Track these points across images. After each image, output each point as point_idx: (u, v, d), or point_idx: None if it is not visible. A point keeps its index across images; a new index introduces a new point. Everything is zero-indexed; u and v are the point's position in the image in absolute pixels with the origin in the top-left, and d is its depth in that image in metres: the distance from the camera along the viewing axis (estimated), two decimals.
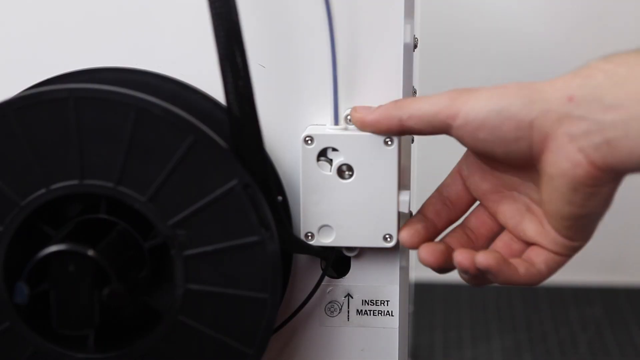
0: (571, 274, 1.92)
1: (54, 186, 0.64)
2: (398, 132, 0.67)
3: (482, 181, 0.69)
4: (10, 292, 0.65)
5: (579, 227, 0.65)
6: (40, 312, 0.65)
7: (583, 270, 1.97)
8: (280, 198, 0.69)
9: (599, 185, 0.62)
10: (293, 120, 0.70)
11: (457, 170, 0.70)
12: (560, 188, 0.63)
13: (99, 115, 0.64)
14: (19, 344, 0.66)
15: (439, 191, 0.71)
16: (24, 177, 0.64)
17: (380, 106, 0.68)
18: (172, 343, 0.66)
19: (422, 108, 0.66)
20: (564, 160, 0.62)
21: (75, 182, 0.64)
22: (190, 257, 0.65)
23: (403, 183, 0.71)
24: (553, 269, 0.68)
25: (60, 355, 0.66)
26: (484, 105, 0.64)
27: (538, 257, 0.67)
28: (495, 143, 0.64)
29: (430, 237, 0.69)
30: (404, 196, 0.69)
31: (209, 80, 0.68)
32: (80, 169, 0.64)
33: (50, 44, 0.71)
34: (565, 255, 0.67)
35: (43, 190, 0.65)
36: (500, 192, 0.69)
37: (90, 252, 0.62)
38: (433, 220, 0.70)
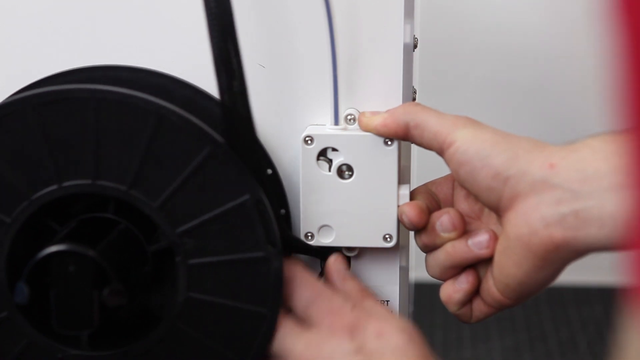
0: (571, 274, 1.92)
1: (66, 183, 0.65)
2: (403, 137, 0.68)
3: (464, 199, 0.70)
4: (11, 284, 0.65)
5: (516, 290, 0.66)
6: (39, 305, 0.65)
7: (583, 270, 1.97)
8: (270, 171, 0.69)
9: (549, 259, 0.63)
10: (293, 120, 0.70)
11: (452, 178, 0.70)
12: (513, 249, 0.64)
13: (118, 119, 0.64)
14: (14, 334, 0.66)
15: (427, 186, 0.71)
16: (37, 172, 0.64)
17: (388, 110, 0.68)
18: (168, 347, 0.66)
19: (428, 122, 0.67)
20: (523, 224, 0.63)
21: (88, 181, 0.65)
22: (194, 266, 0.65)
23: (403, 183, 0.71)
24: (478, 318, 0.69)
25: (54, 349, 0.66)
26: (474, 145, 0.65)
27: (475, 302, 0.69)
28: (471, 183, 0.66)
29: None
30: (404, 190, 0.69)
31: (208, 80, 0.68)
32: (94, 169, 0.64)
33: (57, 39, 0.71)
34: (494, 308, 0.68)
35: (55, 187, 0.65)
36: (473, 217, 0.69)
37: (91, 252, 0.63)
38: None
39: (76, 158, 0.64)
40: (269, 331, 0.66)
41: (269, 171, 0.69)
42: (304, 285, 0.66)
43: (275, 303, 0.66)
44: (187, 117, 0.64)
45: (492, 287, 0.67)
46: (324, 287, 0.67)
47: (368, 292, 0.69)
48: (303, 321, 0.66)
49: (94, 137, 0.64)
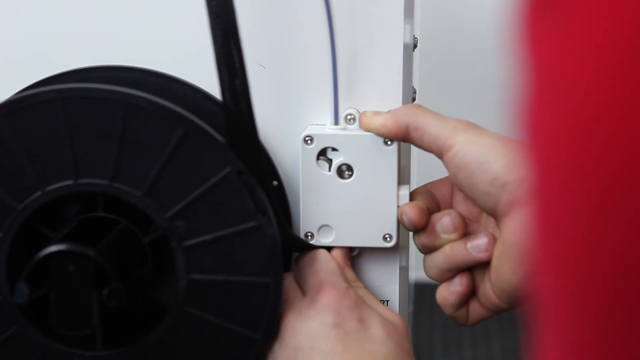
0: None
1: (49, 188, 0.65)
2: (403, 138, 0.68)
3: (463, 202, 0.70)
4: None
5: (513, 295, 0.66)
6: (47, 313, 0.65)
7: None
8: (275, 182, 0.69)
9: None
10: (293, 120, 0.70)
11: (451, 180, 0.70)
12: (509, 255, 0.64)
13: (88, 114, 0.64)
14: (28, 346, 0.66)
15: (426, 187, 0.71)
16: (18, 181, 0.64)
17: (389, 111, 0.68)
18: (179, 334, 0.66)
19: (429, 125, 0.66)
20: (521, 230, 0.62)
21: (70, 182, 0.65)
22: (190, 248, 0.66)
23: (402, 183, 0.71)
24: (475, 320, 0.69)
25: (69, 355, 0.66)
26: (474, 149, 0.65)
27: (472, 304, 0.69)
28: (469, 188, 0.66)
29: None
30: (404, 190, 0.70)
31: (208, 79, 0.68)
32: (74, 169, 0.64)
33: (40, 46, 0.71)
34: (491, 311, 0.68)
35: (39, 193, 0.65)
36: (471, 220, 0.69)
37: (90, 252, 0.63)
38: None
39: (55, 161, 0.64)
40: (276, 300, 0.66)
41: (275, 183, 0.70)
42: (317, 257, 0.69)
43: (276, 270, 0.66)
44: (155, 101, 0.64)
45: (489, 290, 0.67)
46: (333, 262, 0.69)
47: (362, 283, 0.71)
48: (301, 284, 0.69)
49: (67, 136, 0.64)
